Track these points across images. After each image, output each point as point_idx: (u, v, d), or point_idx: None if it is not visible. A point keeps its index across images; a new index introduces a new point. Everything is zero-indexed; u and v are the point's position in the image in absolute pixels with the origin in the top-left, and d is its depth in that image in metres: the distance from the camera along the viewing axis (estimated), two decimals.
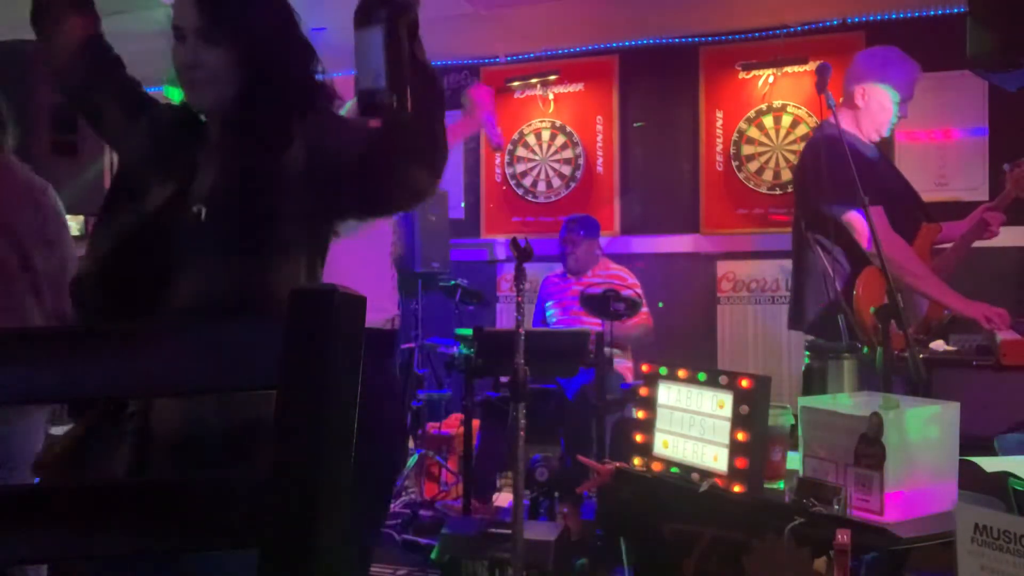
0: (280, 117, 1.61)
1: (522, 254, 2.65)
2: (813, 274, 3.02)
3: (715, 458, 1.88)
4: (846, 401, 1.95)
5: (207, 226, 1.54)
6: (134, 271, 1.54)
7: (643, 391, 2.08)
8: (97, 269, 1.57)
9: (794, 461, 1.88)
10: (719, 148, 5.33)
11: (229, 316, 1.48)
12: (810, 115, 5.09)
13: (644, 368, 2.09)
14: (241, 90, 1.60)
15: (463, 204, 5.81)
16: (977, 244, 3.21)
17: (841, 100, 3.15)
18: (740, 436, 1.84)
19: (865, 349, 2.64)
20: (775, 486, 1.88)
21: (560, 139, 5.67)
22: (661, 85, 5.47)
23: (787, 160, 5.17)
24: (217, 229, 1.54)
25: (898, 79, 3.05)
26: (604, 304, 3.80)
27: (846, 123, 3.04)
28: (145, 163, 1.63)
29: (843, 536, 1.52)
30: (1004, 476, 1.76)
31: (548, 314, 4.66)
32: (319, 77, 1.70)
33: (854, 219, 2.82)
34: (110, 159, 3.40)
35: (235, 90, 1.59)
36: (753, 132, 5.25)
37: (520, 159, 5.75)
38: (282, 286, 1.54)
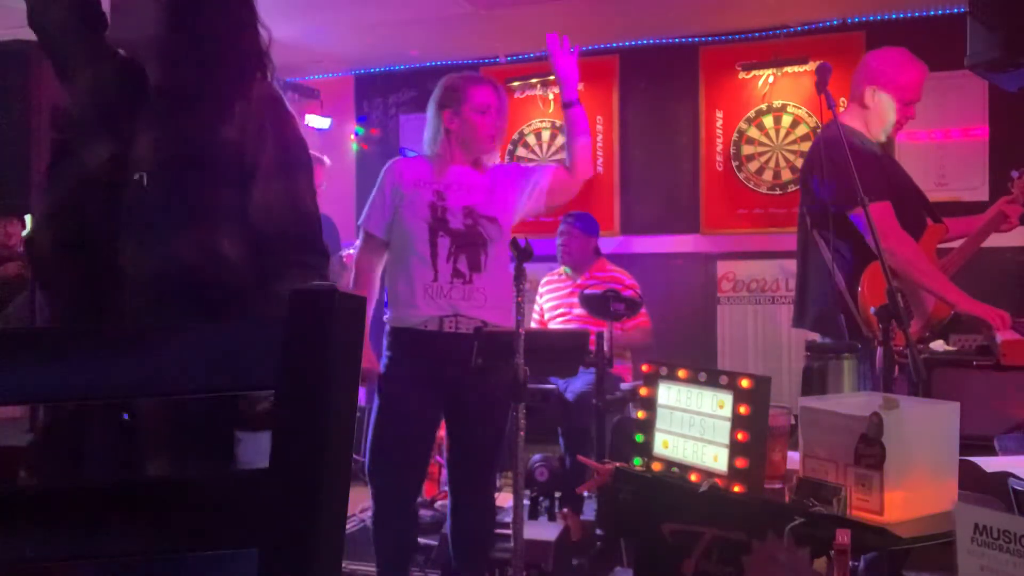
0: (215, 77, 1.61)
1: (522, 254, 2.65)
2: (818, 271, 3.03)
3: (715, 458, 1.88)
4: (846, 401, 1.95)
5: (150, 194, 1.55)
6: (83, 234, 1.55)
7: (643, 391, 2.08)
8: (47, 228, 1.58)
9: (794, 461, 1.88)
10: (719, 148, 5.33)
11: (185, 285, 1.53)
12: (810, 115, 5.09)
13: (644, 368, 2.09)
14: (163, 30, 1.60)
15: None
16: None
17: (850, 99, 3.17)
18: (740, 436, 1.83)
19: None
20: (775, 486, 1.88)
21: (560, 139, 5.66)
22: (661, 85, 5.47)
23: (787, 160, 5.17)
24: (160, 197, 1.55)
25: (907, 81, 3.05)
26: (604, 304, 3.80)
27: (855, 122, 3.05)
28: (93, 115, 1.63)
29: (843, 536, 1.52)
30: (1004, 476, 1.76)
31: (547, 316, 4.66)
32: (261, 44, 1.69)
33: (860, 216, 2.82)
34: None
35: (155, 26, 1.60)
36: (753, 132, 5.25)
37: (520, 159, 5.74)
38: (231, 254, 1.57)
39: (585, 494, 3.66)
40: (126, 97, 1.64)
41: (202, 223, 1.56)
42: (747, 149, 5.26)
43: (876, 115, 3.07)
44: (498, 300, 2.97)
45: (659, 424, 2.02)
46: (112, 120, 1.61)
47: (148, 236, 1.54)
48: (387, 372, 2.98)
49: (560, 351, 3.19)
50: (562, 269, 4.70)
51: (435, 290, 2.90)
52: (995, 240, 3.24)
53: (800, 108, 5.15)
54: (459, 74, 3.17)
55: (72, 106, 1.69)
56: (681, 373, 1.99)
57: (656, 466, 2.01)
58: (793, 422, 1.89)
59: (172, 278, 1.53)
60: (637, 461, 2.05)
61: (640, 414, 2.07)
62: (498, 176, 3.12)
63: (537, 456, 3.99)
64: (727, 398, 1.87)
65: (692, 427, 1.94)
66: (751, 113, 5.25)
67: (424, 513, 4.28)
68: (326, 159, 5.16)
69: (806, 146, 4.98)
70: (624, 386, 4.25)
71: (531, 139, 5.72)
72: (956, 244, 3.24)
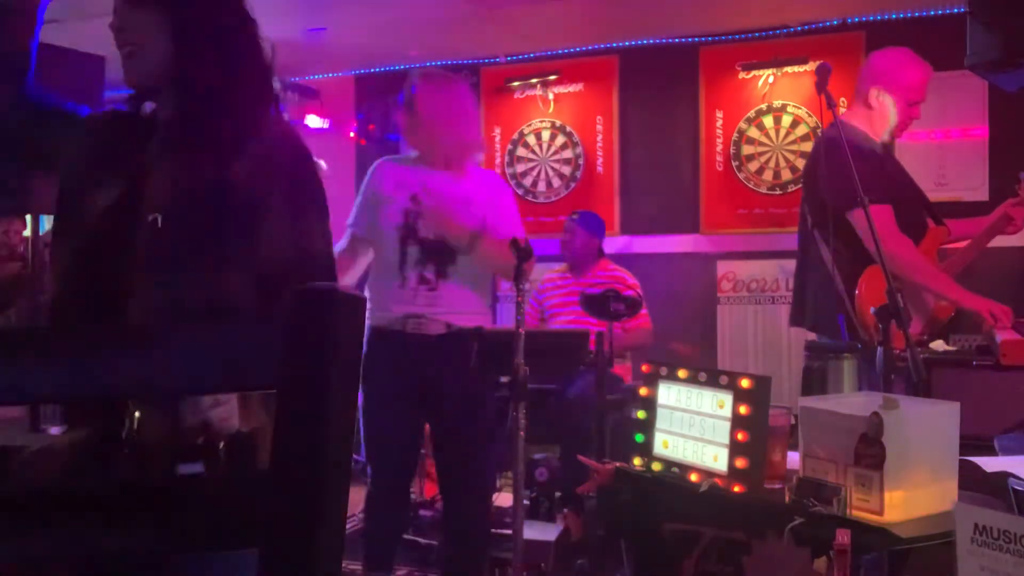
0: (227, 112, 1.55)
1: (522, 254, 2.65)
2: (817, 272, 3.03)
3: (715, 458, 1.88)
4: (846, 401, 1.95)
5: (164, 235, 1.50)
6: (99, 285, 1.50)
7: (643, 391, 2.08)
8: (66, 290, 1.54)
9: (794, 461, 1.88)
10: (719, 148, 5.33)
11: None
12: (810, 115, 5.09)
13: (644, 368, 2.09)
14: (171, 61, 1.54)
15: None
16: None
17: (854, 99, 3.18)
18: (740, 436, 1.83)
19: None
20: (775, 486, 1.88)
21: (560, 139, 5.67)
22: (661, 85, 5.47)
23: (787, 160, 5.17)
24: (175, 239, 1.50)
25: (911, 81, 3.05)
26: (604, 304, 3.80)
27: (858, 122, 3.05)
28: (85, 175, 1.58)
29: (843, 536, 1.52)
30: (1004, 476, 1.76)
31: (547, 316, 4.66)
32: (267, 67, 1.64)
33: (859, 217, 2.82)
34: None
35: (164, 61, 1.54)
36: (753, 132, 5.25)
37: (520, 159, 5.75)
38: (239, 297, 1.51)
39: (585, 494, 3.66)
40: (131, 137, 1.60)
41: (219, 264, 1.52)
42: (747, 149, 5.26)
43: (880, 115, 3.07)
44: (464, 306, 3.02)
45: (659, 424, 2.02)
46: (116, 164, 1.56)
47: (164, 278, 1.51)
48: (364, 369, 3.03)
49: (560, 351, 3.19)
50: (563, 267, 4.70)
51: (401, 295, 2.97)
52: (996, 240, 3.24)
53: (800, 108, 5.15)
54: None
55: (64, 174, 1.64)
56: (681, 373, 1.99)
57: (656, 466, 2.01)
58: (793, 422, 1.89)
59: (184, 319, 1.49)
60: (637, 461, 2.05)
61: (640, 414, 2.07)
62: (476, 188, 3.10)
63: (537, 456, 3.99)
64: (727, 398, 1.87)
65: (692, 427, 1.94)
66: (751, 113, 5.25)
67: (424, 513, 4.28)
68: (322, 163, 5.16)
69: (806, 146, 4.98)
70: (624, 386, 4.25)
71: (531, 139, 5.73)
72: (959, 246, 3.24)
